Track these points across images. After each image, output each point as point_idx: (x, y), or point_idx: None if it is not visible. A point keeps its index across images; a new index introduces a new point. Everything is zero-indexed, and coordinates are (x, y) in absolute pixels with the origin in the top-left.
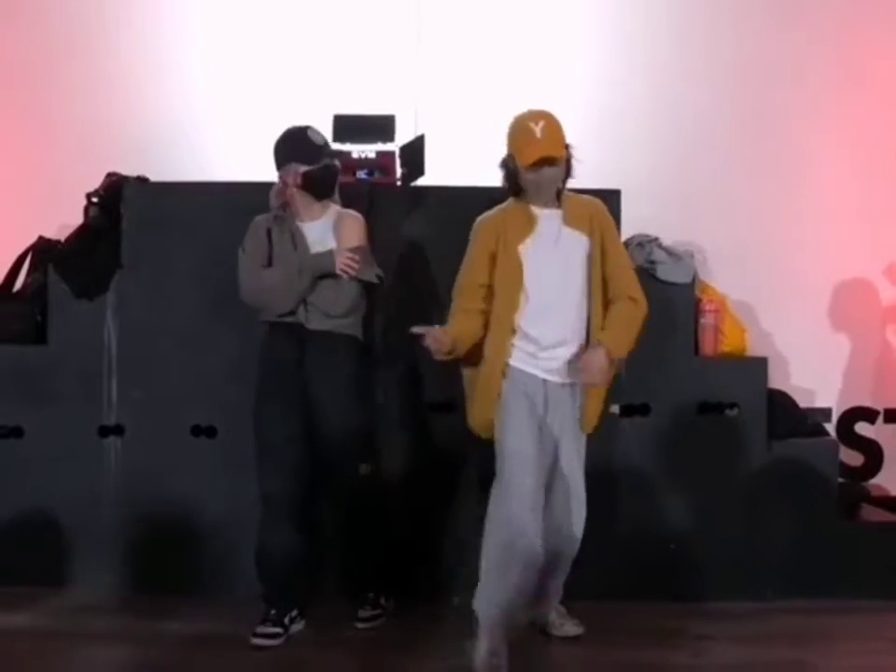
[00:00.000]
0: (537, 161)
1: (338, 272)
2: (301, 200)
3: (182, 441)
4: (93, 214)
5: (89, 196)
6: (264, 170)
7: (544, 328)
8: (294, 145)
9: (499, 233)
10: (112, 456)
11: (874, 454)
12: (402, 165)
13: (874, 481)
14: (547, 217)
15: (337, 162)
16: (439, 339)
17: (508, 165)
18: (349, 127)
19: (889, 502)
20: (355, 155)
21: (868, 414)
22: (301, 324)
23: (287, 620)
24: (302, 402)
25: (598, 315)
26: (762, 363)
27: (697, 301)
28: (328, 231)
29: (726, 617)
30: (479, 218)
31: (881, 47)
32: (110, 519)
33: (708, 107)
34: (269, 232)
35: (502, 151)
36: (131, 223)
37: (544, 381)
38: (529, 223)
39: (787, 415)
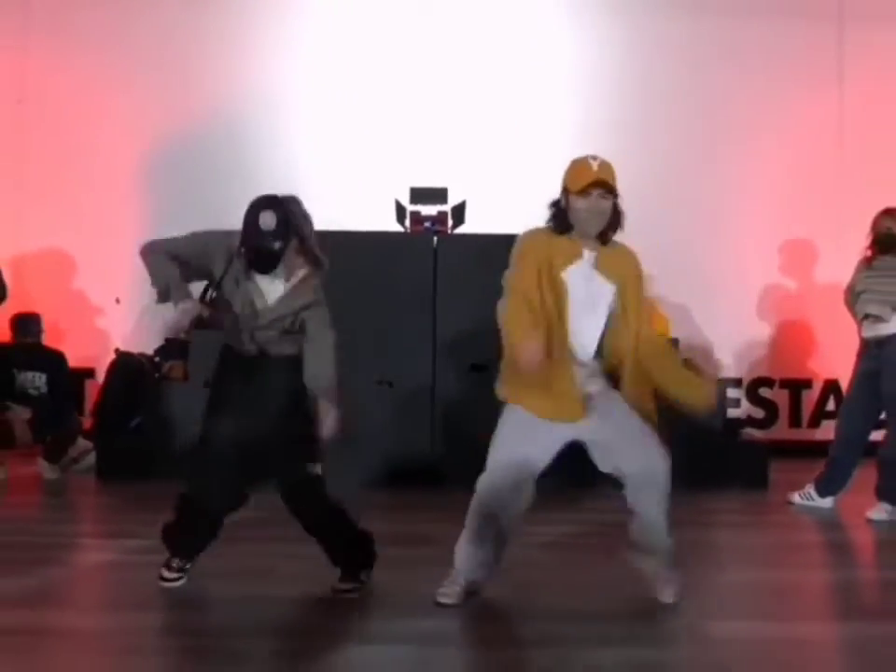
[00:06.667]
0: (590, 184)
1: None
2: None
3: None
4: None
5: None
6: (358, 221)
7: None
8: (245, 220)
9: (546, 252)
10: None
11: (772, 410)
12: (452, 219)
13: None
14: (588, 255)
15: (281, 247)
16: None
17: (559, 202)
18: (420, 194)
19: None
20: (423, 213)
21: (768, 382)
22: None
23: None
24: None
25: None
26: (675, 341)
27: None
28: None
29: None
30: (524, 233)
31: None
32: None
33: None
34: (230, 260)
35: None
36: None
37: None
38: (574, 252)
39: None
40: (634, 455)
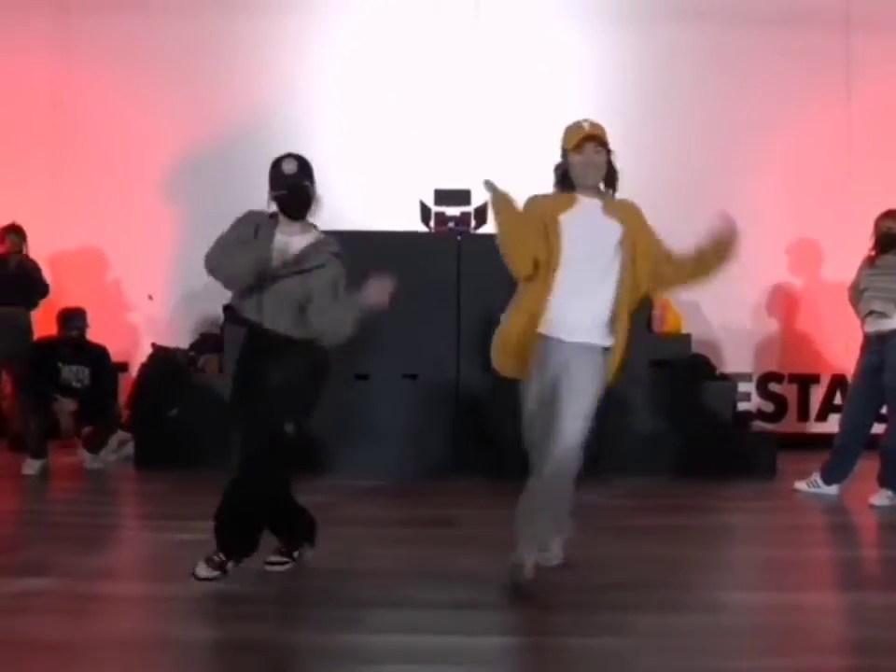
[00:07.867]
0: (583, 138)
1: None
2: (281, 217)
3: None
4: None
5: None
6: (384, 222)
7: (572, 297)
8: (270, 174)
9: (546, 207)
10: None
11: (781, 404)
12: (475, 219)
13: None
14: (588, 202)
15: (308, 185)
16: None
17: (561, 164)
18: (444, 196)
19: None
20: (447, 213)
21: (777, 377)
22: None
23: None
24: None
25: (623, 294)
26: (688, 337)
27: (650, 302)
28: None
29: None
30: (530, 196)
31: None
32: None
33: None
34: (257, 229)
35: None
36: None
37: (560, 341)
38: (571, 201)
39: (703, 369)
40: (555, 424)
